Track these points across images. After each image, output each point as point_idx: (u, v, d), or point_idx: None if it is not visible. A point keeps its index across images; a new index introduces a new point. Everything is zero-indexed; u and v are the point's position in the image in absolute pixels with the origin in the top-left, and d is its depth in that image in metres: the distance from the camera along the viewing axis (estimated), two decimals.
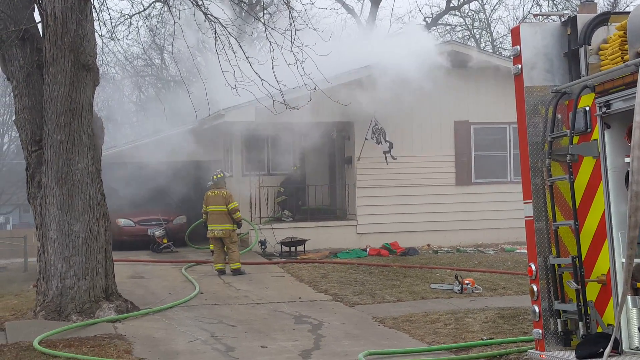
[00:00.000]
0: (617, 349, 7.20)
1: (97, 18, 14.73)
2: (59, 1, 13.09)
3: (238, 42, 14.37)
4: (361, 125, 22.55)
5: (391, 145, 21.97)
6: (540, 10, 32.39)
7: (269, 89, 14.02)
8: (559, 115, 7.95)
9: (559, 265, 7.91)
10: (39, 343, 11.03)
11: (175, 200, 26.32)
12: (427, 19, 42.60)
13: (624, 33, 7.33)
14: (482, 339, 10.92)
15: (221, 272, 18.43)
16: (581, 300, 7.62)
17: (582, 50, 7.86)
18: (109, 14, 34.55)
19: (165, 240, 23.49)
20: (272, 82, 13.84)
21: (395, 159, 22.11)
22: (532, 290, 8.05)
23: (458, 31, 46.35)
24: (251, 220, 22.70)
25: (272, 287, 16.63)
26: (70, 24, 13.21)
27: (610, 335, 7.08)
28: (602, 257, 7.48)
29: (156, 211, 24.90)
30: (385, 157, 22.05)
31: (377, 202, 22.82)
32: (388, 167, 22.58)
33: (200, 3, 14.07)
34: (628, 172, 7.08)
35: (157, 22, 29.15)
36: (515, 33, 8.13)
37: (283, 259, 20.89)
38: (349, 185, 23.83)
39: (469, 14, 45.37)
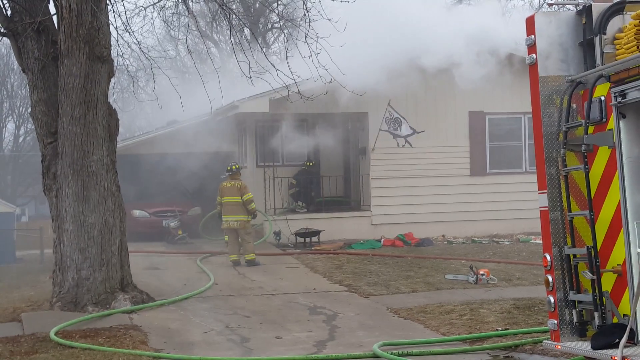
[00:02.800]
0: (633, 339, 7.19)
1: (111, 10, 14.77)
2: None
3: (252, 33, 14.39)
4: (376, 116, 22.55)
5: (413, 131, 22.03)
6: None
7: (283, 79, 14.03)
8: (574, 105, 7.92)
9: (574, 256, 7.89)
10: (56, 334, 11.09)
11: (190, 192, 26.40)
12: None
13: None
14: (497, 330, 10.90)
15: (236, 263, 18.49)
16: (597, 291, 7.59)
17: (597, 39, 7.82)
18: (124, 6, 34.68)
19: (180, 232, 23.59)
20: (287, 72, 13.85)
21: (412, 146, 22.15)
22: (547, 281, 8.03)
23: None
24: (265, 212, 22.75)
25: (286, 278, 16.67)
26: (85, 16, 13.24)
27: (626, 326, 7.06)
28: (618, 248, 7.45)
29: (171, 202, 25.00)
30: (406, 141, 22.08)
31: (391, 193, 22.82)
32: (402, 158, 22.63)
33: None
34: None
35: (172, 13, 29.23)
36: (529, 22, 8.09)
37: (297, 250, 20.93)
38: (363, 176, 23.83)
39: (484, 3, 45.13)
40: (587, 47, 7.98)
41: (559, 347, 7.90)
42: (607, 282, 7.58)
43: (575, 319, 7.84)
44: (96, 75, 13.50)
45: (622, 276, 7.40)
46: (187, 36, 15.95)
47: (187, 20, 27.77)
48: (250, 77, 14.29)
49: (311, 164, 24.28)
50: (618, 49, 7.65)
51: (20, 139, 54.78)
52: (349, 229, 22.72)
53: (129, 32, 15.84)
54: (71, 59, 13.35)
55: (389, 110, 22.09)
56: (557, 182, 7.99)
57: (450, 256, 19.05)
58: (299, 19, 14.07)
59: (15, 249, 30.14)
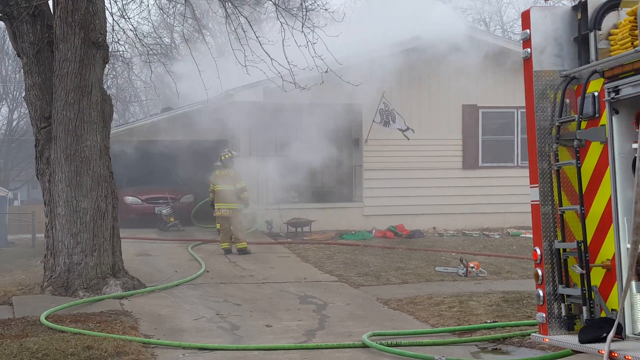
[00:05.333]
0: (620, 334, 7.21)
1: None
2: None
3: (248, 22, 14.38)
4: (369, 107, 22.57)
5: (406, 126, 22.10)
6: None
7: (278, 69, 14.03)
8: (567, 100, 7.93)
9: (564, 250, 7.90)
10: (46, 318, 11.09)
11: (183, 179, 26.38)
12: None
13: (635, 18, 7.29)
14: (486, 322, 10.95)
15: (227, 251, 18.51)
16: (585, 285, 7.62)
17: (592, 35, 7.83)
18: None
19: (172, 219, 23.59)
20: (282, 62, 13.86)
21: (409, 139, 22.20)
22: (536, 274, 8.05)
23: (468, 14, 46.18)
24: (258, 200, 22.74)
25: (277, 267, 16.70)
26: (81, 1, 13.22)
27: (614, 320, 7.09)
28: (608, 242, 7.47)
29: (163, 189, 24.99)
30: (404, 134, 22.15)
31: (383, 185, 22.85)
32: (395, 150, 22.67)
33: None
34: (635, 157, 7.09)
35: (168, 0, 29.11)
36: (525, 17, 8.10)
37: (289, 240, 20.96)
38: (356, 167, 23.85)
39: None
40: (581, 43, 7.99)
41: (547, 340, 7.93)
42: (596, 276, 7.62)
43: (563, 313, 7.87)
44: (91, 60, 13.49)
45: (611, 271, 7.43)
46: (182, 25, 15.91)
47: (182, 7, 27.69)
48: (245, 66, 14.29)
49: (299, 153, 24.16)
50: (612, 45, 7.66)
51: (14, 123, 54.61)
52: (341, 220, 22.76)
53: (125, 19, 15.82)
54: (66, 44, 13.34)
55: (384, 102, 22.10)
56: (549, 176, 8.01)
57: (441, 248, 19.11)
58: (296, 9, 14.04)
59: (7, 233, 30.11)
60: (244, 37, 14.16)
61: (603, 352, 6.97)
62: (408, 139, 22.27)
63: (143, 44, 15.62)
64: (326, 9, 14.06)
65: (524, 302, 12.18)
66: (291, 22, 14.01)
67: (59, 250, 13.49)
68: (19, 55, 14.34)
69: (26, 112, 31.64)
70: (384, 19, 21.54)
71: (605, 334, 7.08)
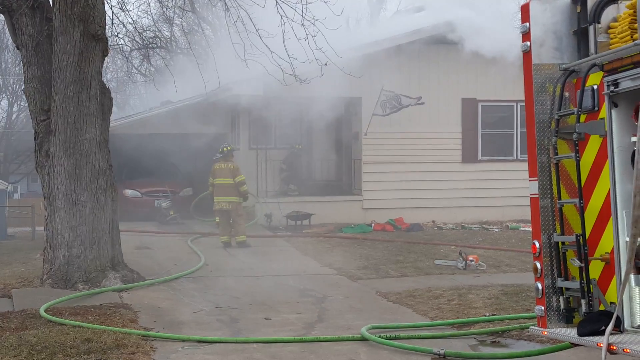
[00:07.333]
0: (619, 327, 7.20)
1: None
2: None
3: (248, 15, 14.36)
4: (369, 101, 22.56)
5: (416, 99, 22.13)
6: None
7: (278, 61, 14.02)
8: (566, 93, 7.91)
9: (563, 243, 7.89)
10: (46, 311, 11.10)
11: (182, 172, 26.38)
12: None
13: (634, 12, 7.27)
14: (485, 315, 10.96)
15: (227, 245, 18.52)
16: (584, 278, 7.61)
17: (591, 28, 7.80)
18: None
19: (171, 212, 23.60)
20: (282, 54, 13.84)
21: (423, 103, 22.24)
22: (535, 268, 8.05)
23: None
24: (257, 194, 22.76)
25: (277, 260, 16.71)
26: None
27: (613, 314, 7.09)
28: (606, 236, 7.47)
29: (163, 183, 25.01)
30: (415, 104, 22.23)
31: (383, 178, 22.86)
32: (394, 143, 22.68)
33: None
34: (634, 151, 7.08)
35: None
36: (524, 10, 8.08)
37: (288, 233, 20.97)
38: (355, 160, 23.85)
39: None
40: (581, 36, 7.97)
41: (546, 333, 7.93)
42: (595, 269, 7.61)
43: (562, 306, 7.86)
44: (90, 53, 13.48)
45: (610, 264, 7.43)
46: (182, 18, 15.90)
47: (181, 2, 27.64)
48: (245, 60, 14.27)
49: (299, 147, 24.25)
50: (612, 38, 7.64)
51: (14, 116, 54.54)
52: (340, 213, 22.76)
53: (124, 11, 15.82)
54: (65, 37, 13.32)
55: (384, 93, 22.09)
56: (548, 169, 8.00)
57: (440, 242, 19.12)
58: (295, 2, 14.01)
59: (7, 226, 30.09)
60: (244, 30, 14.15)
61: (602, 345, 6.96)
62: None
63: (142, 37, 15.59)
64: (325, 2, 13.98)
65: (523, 295, 12.19)
66: (291, 14, 13.98)
67: (58, 243, 13.50)
68: (18, 48, 14.33)
69: (26, 105, 31.62)
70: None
71: (603, 327, 7.08)
